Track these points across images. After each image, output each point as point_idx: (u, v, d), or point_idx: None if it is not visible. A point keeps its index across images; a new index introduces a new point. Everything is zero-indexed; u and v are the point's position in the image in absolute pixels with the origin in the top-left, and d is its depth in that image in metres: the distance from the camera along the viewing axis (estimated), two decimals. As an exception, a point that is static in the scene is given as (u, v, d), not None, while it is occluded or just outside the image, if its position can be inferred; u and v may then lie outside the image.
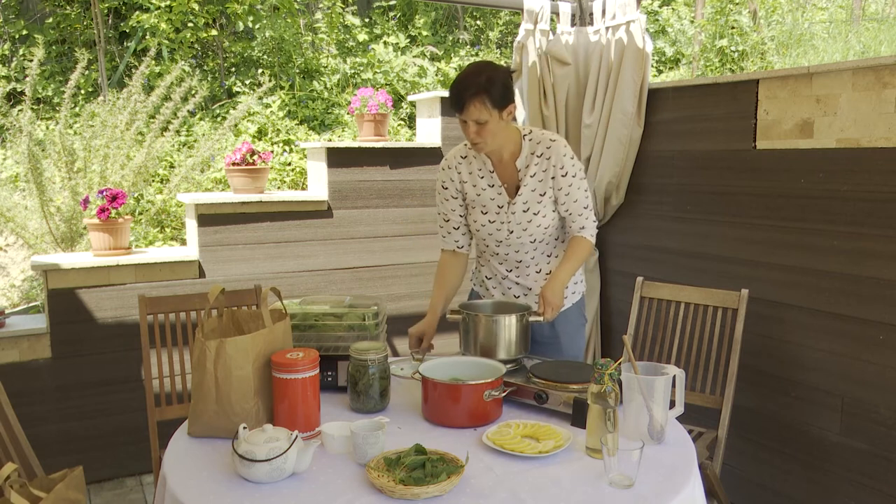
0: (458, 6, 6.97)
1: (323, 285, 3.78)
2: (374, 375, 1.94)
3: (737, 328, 2.59)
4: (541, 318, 2.21)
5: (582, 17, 3.59)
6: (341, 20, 6.52)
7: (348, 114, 5.72)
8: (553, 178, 2.28)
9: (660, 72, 7.43)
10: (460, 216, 2.41)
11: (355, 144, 3.82)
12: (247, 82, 5.83)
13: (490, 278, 2.51)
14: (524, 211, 2.31)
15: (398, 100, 6.08)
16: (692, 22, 7.66)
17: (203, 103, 5.55)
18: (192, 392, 1.80)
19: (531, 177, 2.29)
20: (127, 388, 3.35)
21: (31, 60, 4.39)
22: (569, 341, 2.46)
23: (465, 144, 2.37)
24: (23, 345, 3.15)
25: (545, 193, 2.30)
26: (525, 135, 2.30)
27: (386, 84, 6.18)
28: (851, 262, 2.53)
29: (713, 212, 3.06)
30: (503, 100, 2.15)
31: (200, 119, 5.49)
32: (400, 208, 3.94)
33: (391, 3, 7.05)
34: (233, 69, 6.06)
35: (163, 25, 5.47)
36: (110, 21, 5.89)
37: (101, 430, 3.32)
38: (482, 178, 2.34)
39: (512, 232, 2.34)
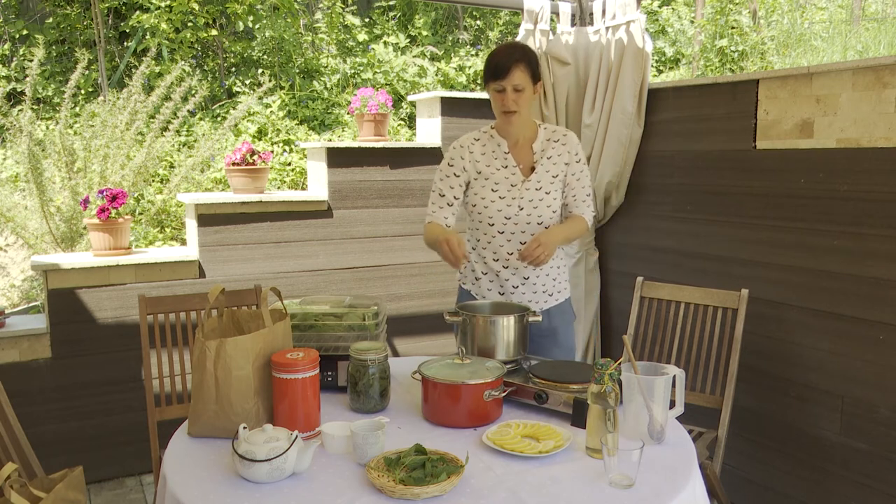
0: (458, 6, 6.97)
1: (323, 285, 3.78)
2: (374, 375, 1.94)
3: (737, 328, 2.59)
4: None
5: (582, 17, 3.59)
6: (341, 20, 6.53)
7: (348, 114, 5.72)
8: (567, 163, 2.44)
9: (660, 72, 7.44)
10: (455, 197, 2.47)
11: (355, 144, 3.82)
12: (247, 82, 5.83)
13: (486, 273, 2.50)
14: (537, 189, 2.42)
15: (398, 100, 6.08)
16: (692, 22, 7.66)
17: (203, 103, 5.56)
18: (192, 392, 1.80)
19: (547, 158, 2.43)
20: (127, 388, 3.35)
21: (31, 60, 4.39)
22: (564, 333, 2.55)
23: (484, 131, 2.50)
24: (23, 345, 3.15)
25: (557, 176, 2.44)
26: (540, 125, 2.48)
27: (386, 84, 6.18)
28: (851, 262, 2.53)
29: (713, 212, 3.06)
30: (537, 74, 2.35)
31: (200, 119, 5.49)
32: (400, 208, 3.94)
33: (391, 3, 7.05)
34: (233, 69, 6.06)
35: (163, 25, 5.47)
36: (110, 21, 5.89)
37: (101, 430, 3.32)
38: (496, 158, 2.45)
39: (522, 209, 2.41)
